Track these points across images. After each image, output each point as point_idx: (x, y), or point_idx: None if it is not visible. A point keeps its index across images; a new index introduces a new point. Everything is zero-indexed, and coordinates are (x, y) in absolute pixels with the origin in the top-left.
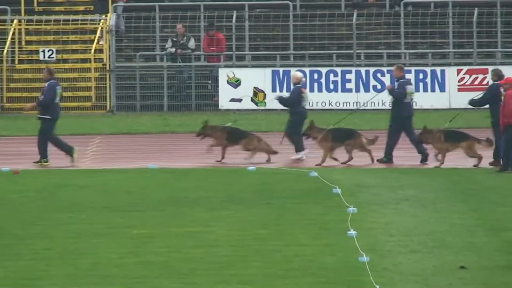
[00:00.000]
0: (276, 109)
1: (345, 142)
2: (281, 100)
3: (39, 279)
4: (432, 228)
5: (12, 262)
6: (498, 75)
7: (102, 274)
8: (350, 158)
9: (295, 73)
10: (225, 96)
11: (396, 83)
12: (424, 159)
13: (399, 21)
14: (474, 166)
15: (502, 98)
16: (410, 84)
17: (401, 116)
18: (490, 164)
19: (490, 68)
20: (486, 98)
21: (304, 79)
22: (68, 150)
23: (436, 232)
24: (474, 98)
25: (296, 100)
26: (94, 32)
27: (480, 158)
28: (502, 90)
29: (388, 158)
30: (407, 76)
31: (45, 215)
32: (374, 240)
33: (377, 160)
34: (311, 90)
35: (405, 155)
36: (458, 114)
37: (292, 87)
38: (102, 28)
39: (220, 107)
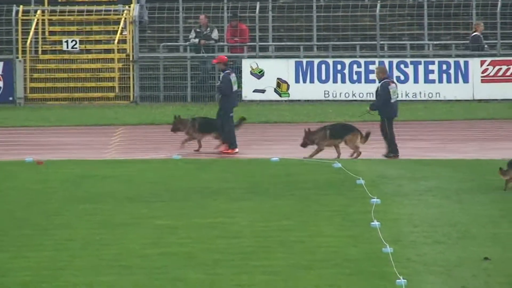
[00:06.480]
0: (299, 100)
1: None
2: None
3: (61, 270)
4: (456, 219)
5: (35, 253)
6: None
7: (125, 265)
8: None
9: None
10: (249, 87)
11: None
12: None
13: (422, 12)
14: None
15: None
16: None
17: None
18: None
19: None
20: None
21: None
22: None
23: (460, 223)
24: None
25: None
26: (117, 22)
27: None
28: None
29: None
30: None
31: (68, 206)
32: (398, 231)
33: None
34: (334, 81)
35: (426, 146)
36: None
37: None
38: (125, 18)
39: (243, 98)
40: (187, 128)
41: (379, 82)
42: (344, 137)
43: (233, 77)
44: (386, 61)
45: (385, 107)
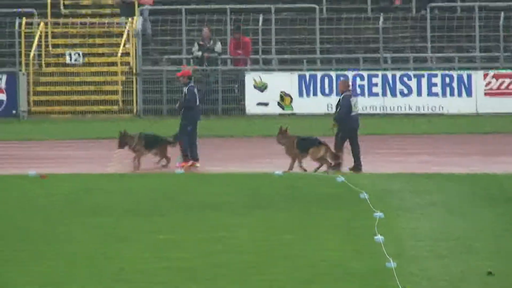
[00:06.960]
0: (303, 114)
1: None
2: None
3: (64, 283)
4: (459, 233)
5: (38, 266)
6: None
7: (127, 279)
8: None
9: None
10: (252, 101)
11: None
12: None
13: (425, 25)
14: None
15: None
16: None
17: None
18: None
19: None
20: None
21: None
22: None
23: (463, 237)
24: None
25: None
26: (120, 35)
27: None
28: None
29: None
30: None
31: (72, 219)
32: (401, 245)
33: None
34: (338, 94)
35: (430, 160)
36: None
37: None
38: (128, 31)
39: (246, 111)
40: (134, 143)
41: (341, 95)
42: (307, 151)
43: (196, 91)
44: (389, 74)
45: (345, 120)
